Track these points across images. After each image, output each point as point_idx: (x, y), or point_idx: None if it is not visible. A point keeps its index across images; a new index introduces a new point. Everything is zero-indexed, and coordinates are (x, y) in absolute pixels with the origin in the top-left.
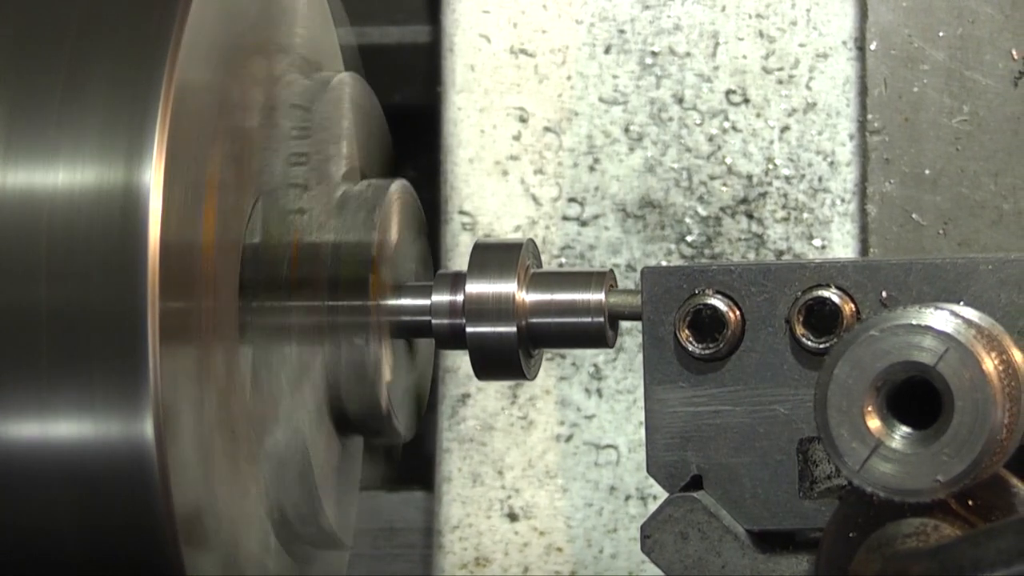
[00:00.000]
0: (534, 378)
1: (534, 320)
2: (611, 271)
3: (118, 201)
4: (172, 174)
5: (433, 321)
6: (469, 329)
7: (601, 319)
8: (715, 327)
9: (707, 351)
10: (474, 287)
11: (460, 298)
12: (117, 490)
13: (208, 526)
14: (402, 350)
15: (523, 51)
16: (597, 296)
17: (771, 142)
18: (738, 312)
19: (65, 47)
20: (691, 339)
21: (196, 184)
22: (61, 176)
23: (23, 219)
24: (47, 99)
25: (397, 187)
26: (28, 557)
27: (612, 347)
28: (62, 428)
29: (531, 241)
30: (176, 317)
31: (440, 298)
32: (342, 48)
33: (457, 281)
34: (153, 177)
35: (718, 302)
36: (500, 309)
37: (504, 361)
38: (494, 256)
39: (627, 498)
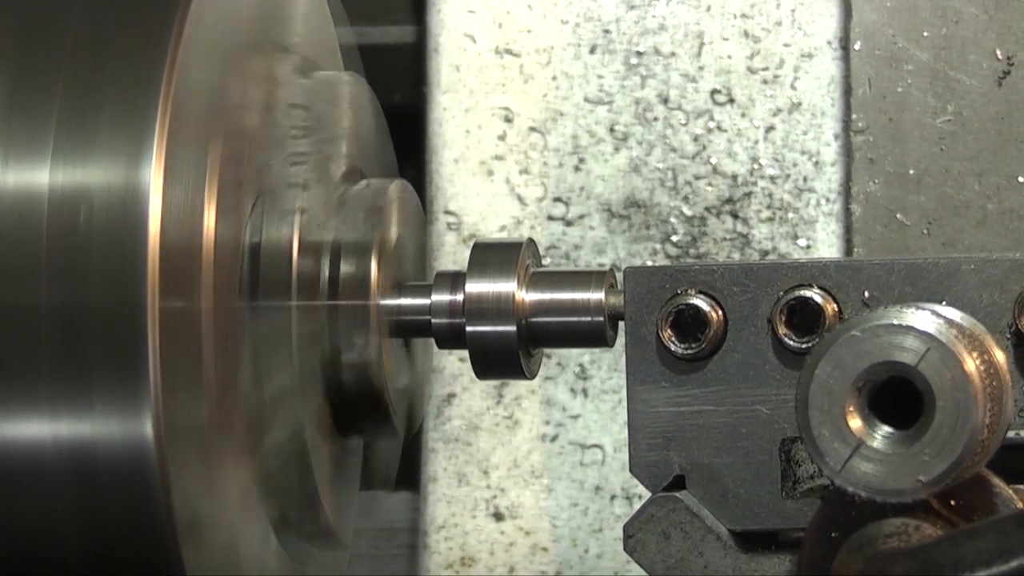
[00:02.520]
0: (534, 377)
1: (534, 319)
2: (611, 270)
3: (118, 201)
4: (172, 174)
5: (433, 320)
6: (469, 328)
7: (601, 318)
8: (697, 327)
9: (689, 351)
10: (474, 286)
11: (460, 297)
12: (117, 490)
13: (208, 526)
14: (402, 350)
15: (508, 51)
16: (597, 295)
17: (756, 142)
18: (720, 312)
19: (65, 47)
20: (673, 339)
21: (196, 184)
22: (61, 176)
23: (23, 219)
24: (47, 99)
25: (397, 187)
26: (28, 557)
27: (612, 346)
28: (62, 428)
29: (531, 240)
30: (176, 317)
31: (440, 297)
32: (342, 48)
33: (457, 280)
34: (153, 177)
35: (700, 302)
36: (500, 308)
37: (504, 360)
38: (494, 255)
39: (612, 498)
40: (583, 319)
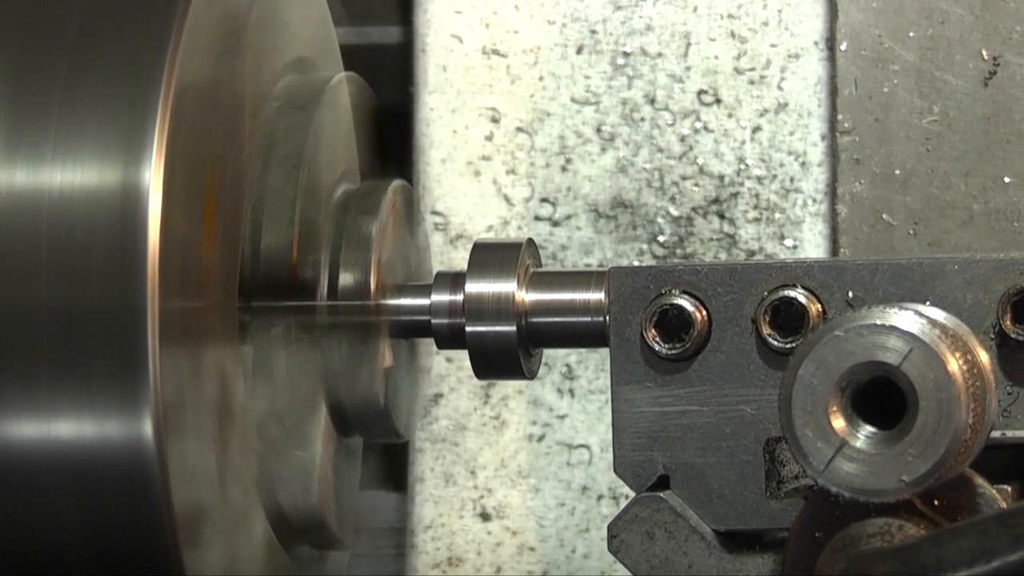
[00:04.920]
0: (534, 377)
1: (534, 320)
2: (611, 270)
3: (118, 201)
4: (172, 174)
5: (432, 321)
6: (469, 329)
7: (601, 319)
8: (682, 327)
9: (674, 351)
10: (474, 287)
11: (460, 298)
12: (117, 490)
13: (208, 526)
14: (401, 350)
15: (495, 51)
16: (597, 295)
17: (743, 142)
18: (705, 312)
19: (65, 47)
20: (658, 339)
21: (196, 184)
22: (61, 176)
23: (23, 219)
24: (47, 99)
25: (396, 187)
26: (28, 556)
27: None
28: (62, 428)
29: (531, 241)
30: (176, 317)
31: (439, 298)
32: (341, 48)
33: (457, 281)
34: (153, 177)
35: (685, 302)
36: (500, 309)
37: (504, 361)
38: (494, 255)
39: (599, 498)
40: (583, 319)
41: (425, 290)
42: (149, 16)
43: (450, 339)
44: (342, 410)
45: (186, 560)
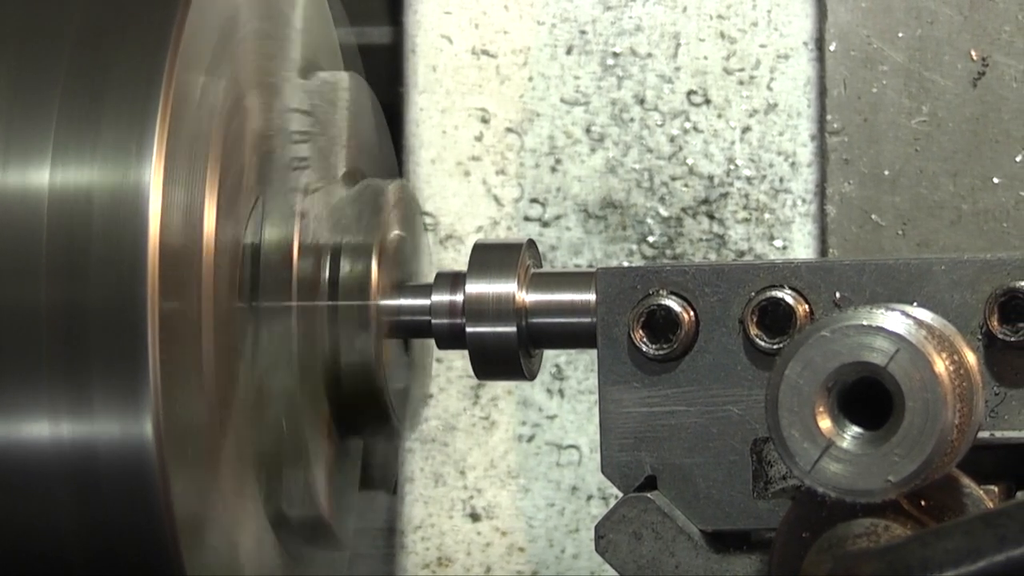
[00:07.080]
0: (534, 378)
1: (534, 320)
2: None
3: (118, 201)
4: (172, 174)
5: (433, 321)
6: (469, 329)
7: None
8: (669, 328)
9: (661, 351)
10: (474, 287)
11: (460, 298)
12: (117, 490)
13: (208, 526)
14: (402, 350)
15: (485, 52)
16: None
17: (732, 143)
18: (692, 313)
19: (65, 47)
20: (645, 339)
21: (196, 184)
22: (61, 176)
23: (23, 219)
24: (47, 99)
25: (396, 187)
26: (28, 557)
27: None
28: (62, 428)
29: (531, 241)
30: (176, 317)
31: (440, 298)
32: (342, 48)
33: (457, 281)
34: (153, 177)
35: (672, 303)
36: (500, 309)
37: (504, 361)
38: (494, 256)
39: (589, 498)
40: (583, 320)
41: (425, 290)
42: (149, 16)
43: (450, 339)
44: (342, 410)
45: (186, 560)
